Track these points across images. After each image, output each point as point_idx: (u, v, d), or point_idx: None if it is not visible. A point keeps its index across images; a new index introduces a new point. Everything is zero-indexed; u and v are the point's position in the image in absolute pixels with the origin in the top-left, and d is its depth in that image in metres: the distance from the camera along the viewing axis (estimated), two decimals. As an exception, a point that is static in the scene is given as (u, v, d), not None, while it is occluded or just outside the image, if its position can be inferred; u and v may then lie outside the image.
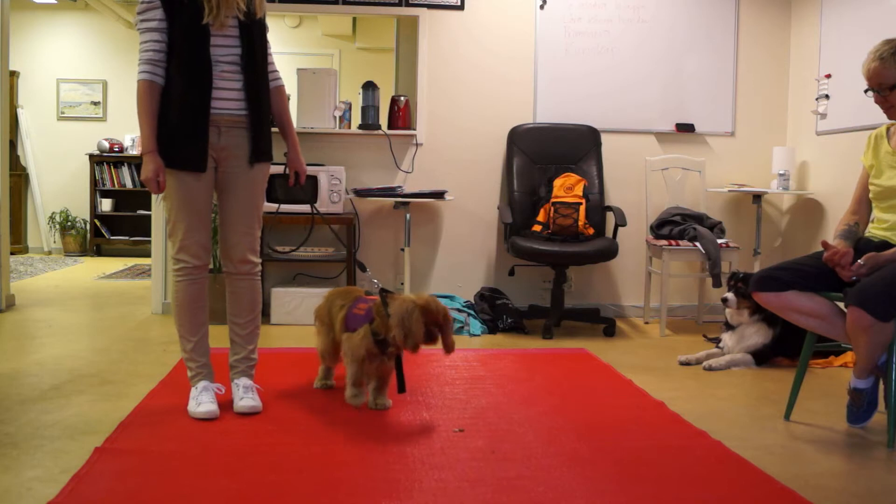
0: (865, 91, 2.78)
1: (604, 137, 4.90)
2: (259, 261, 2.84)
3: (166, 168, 2.62)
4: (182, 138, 2.61)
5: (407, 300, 2.67)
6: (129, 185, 8.21)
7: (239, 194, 2.75)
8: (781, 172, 4.80)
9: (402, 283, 4.74)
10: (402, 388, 2.83)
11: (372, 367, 2.81)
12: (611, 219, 4.68)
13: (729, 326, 3.82)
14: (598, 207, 4.68)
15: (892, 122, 2.86)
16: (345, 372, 2.90)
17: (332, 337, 2.97)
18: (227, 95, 2.66)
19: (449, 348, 2.71)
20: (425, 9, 4.85)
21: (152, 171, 2.59)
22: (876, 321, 2.51)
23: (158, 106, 2.59)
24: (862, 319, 2.52)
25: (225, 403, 2.78)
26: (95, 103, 8.39)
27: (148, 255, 5.78)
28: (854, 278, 2.65)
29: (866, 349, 2.61)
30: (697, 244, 4.42)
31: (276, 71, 2.85)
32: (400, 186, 4.77)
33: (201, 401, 2.69)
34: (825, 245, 2.72)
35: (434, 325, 2.68)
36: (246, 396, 2.76)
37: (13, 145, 7.94)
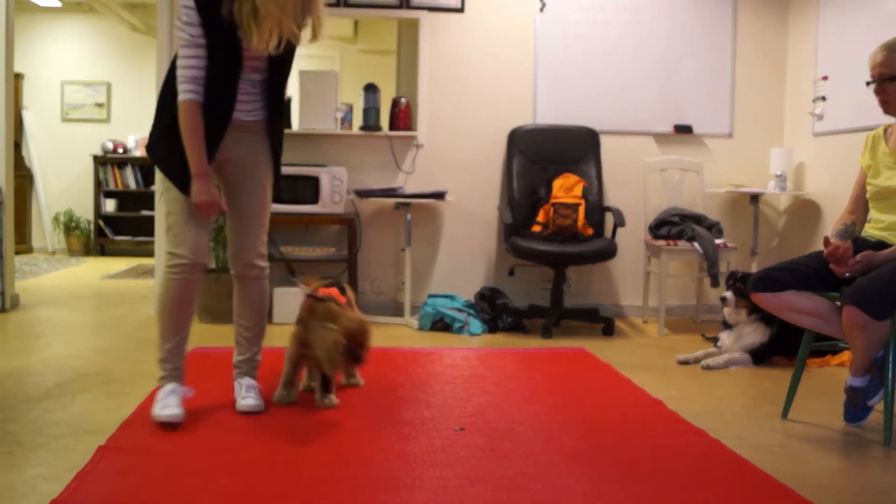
0: (868, 83, 2.80)
1: (603, 139, 4.93)
2: (266, 265, 2.83)
3: (174, 171, 2.58)
4: (186, 163, 2.56)
5: (326, 328, 2.65)
6: (132, 185, 8.24)
7: (249, 199, 2.74)
8: (779, 173, 4.82)
9: (404, 283, 4.77)
10: (325, 387, 2.87)
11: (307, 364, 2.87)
12: (610, 219, 4.71)
13: (727, 325, 3.84)
14: (597, 208, 4.70)
15: (890, 122, 2.88)
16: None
17: None
18: (244, 107, 2.66)
19: (357, 361, 2.73)
20: (426, 11, 4.88)
21: (212, 195, 2.55)
22: (872, 320, 2.53)
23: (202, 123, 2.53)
24: (858, 318, 2.54)
25: (226, 403, 2.80)
26: (99, 105, 8.42)
27: (151, 255, 5.79)
28: (848, 275, 2.68)
29: (862, 348, 2.63)
30: (695, 244, 4.44)
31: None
32: (401, 187, 4.79)
33: (167, 403, 2.58)
34: (827, 242, 2.74)
35: (358, 346, 2.68)
36: (248, 396, 2.76)
37: (18, 147, 7.98)
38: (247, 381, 2.83)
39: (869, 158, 2.91)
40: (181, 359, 2.70)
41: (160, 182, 2.67)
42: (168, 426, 2.54)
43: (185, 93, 2.49)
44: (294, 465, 2.28)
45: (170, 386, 2.64)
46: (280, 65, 2.69)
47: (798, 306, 2.76)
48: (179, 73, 2.50)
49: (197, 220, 2.61)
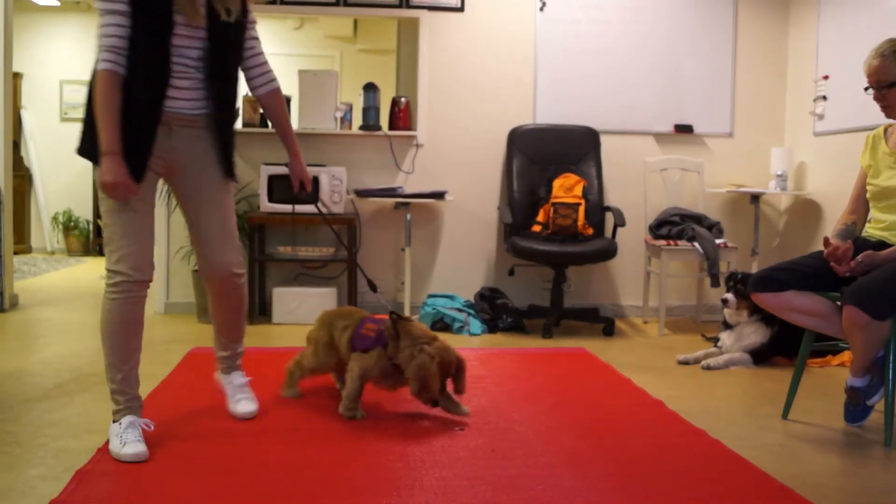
0: (865, 89, 2.81)
1: (603, 138, 4.92)
2: (243, 270, 2.61)
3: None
4: (125, 145, 2.27)
5: (424, 352, 2.60)
6: (130, 185, 8.23)
7: (206, 208, 2.50)
8: (779, 173, 4.82)
9: (403, 283, 4.76)
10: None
11: (387, 385, 2.78)
12: (610, 219, 4.71)
13: (727, 326, 3.84)
14: (597, 208, 4.70)
15: (891, 122, 2.88)
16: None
17: (335, 357, 2.87)
18: (184, 95, 2.38)
19: (460, 391, 2.72)
20: (426, 10, 4.87)
21: (121, 176, 2.25)
22: (872, 320, 2.53)
23: (121, 101, 2.25)
24: (858, 318, 2.54)
25: (224, 403, 2.80)
26: (97, 104, 8.41)
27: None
28: (848, 274, 2.68)
29: (863, 348, 2.63)
30: (696, 244, 4.44)
31: (271, 72, 2.61)
32: (400, 187, 4.79)
33: (126, 440, 2.29)
34: (826, 242, 2.74)
35: (447, 376, 2.67)
36: (242, 398, 2.66)
37: (17, 146, 7.97)
38: (236, 378, 2.71)
39: (869, 158, 2.91)
40: (136, 387, 2.42)
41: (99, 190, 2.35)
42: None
43: (103, 62, 2.22)
44: (294, 465, 2.28)
45: (127, 419, 2.35)
46: (224, 37, 2.39)
47: (799, 306, 2.76)
48: (98, 42, 2.24)
49: (138, 231, 2.33)
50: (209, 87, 2.41)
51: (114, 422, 2.37)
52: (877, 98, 2.77)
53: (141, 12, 2.24)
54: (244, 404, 2.68)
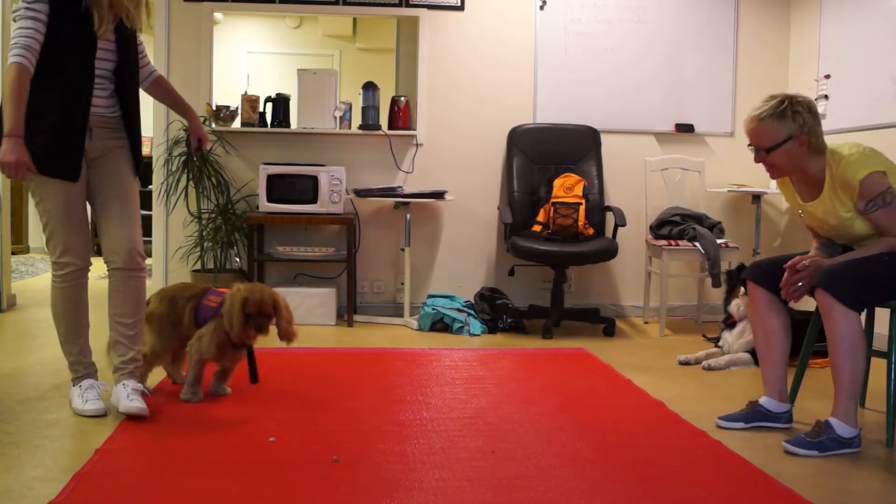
0: (749, 146, 2.68)
1: (603, 138, 4.91)
2: (145, 258, 2.82)
3: (41, 174, 2.61)
4: (57, 147, 2.61)
5: (235, 289, 2.80)
6: (129, 185, 8.21)
7: (118, 192, 2.76)
8: (781, 172, 4.81)
9: (403, 283, 4.75)
10: (253, 378, 2.93)
11: (224, 358, 2.91)
12: (610, 219, 4.69)
13: (728, 325, 3.83)
14: (597, 207, 4.69)
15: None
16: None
17: (178, 335, 2.95)
18: (100, 103, 2.71)
19: (283, 336, 2.84)
20: (425, 9, 4.86)
21: (23, 155, 2.51)
22: (839, 304, 2.44)
23: (28, 94, 2.53)
24: (825, 301, 2.46)
25: (222, 403, 2.79)
26: (96, 104, 8.39)
27: (148, 254, 5.78)
28: (801, 285, 2.60)
29: (832, 346, 2.49)
30: (697, 244, 4.43)
31: (150, 65, 2.95)
32: (400, 186, 4.78)
33: (88, 398, 2.70)
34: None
35: (260, 315, 2.78)
36: (135, 398, 2.65)
37: (14, 146, 7.95)
38: (132, 383, 2.73)
39: (798, 201, 2.76)
40: (90, 356, 2.83)
41: (32, 191, 2.67)
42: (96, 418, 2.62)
43: (18, 56, 2.49)
44: (292, 466, 2.26)
45: (87, 382, 2.77)
46: (129, 50, 2.76)
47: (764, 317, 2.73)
48: (14, 40, 2.50)
49: (77, 224, 2.69)
50: (120, 93, 2.76)
51: (74, 385, 2.77)
52: (758, 160, 2.64)
53: (65, 27, 2.56)
54: (136, 402, 2.65)
